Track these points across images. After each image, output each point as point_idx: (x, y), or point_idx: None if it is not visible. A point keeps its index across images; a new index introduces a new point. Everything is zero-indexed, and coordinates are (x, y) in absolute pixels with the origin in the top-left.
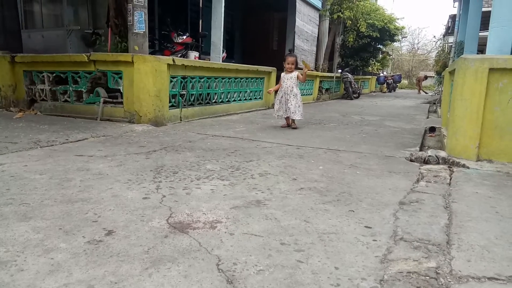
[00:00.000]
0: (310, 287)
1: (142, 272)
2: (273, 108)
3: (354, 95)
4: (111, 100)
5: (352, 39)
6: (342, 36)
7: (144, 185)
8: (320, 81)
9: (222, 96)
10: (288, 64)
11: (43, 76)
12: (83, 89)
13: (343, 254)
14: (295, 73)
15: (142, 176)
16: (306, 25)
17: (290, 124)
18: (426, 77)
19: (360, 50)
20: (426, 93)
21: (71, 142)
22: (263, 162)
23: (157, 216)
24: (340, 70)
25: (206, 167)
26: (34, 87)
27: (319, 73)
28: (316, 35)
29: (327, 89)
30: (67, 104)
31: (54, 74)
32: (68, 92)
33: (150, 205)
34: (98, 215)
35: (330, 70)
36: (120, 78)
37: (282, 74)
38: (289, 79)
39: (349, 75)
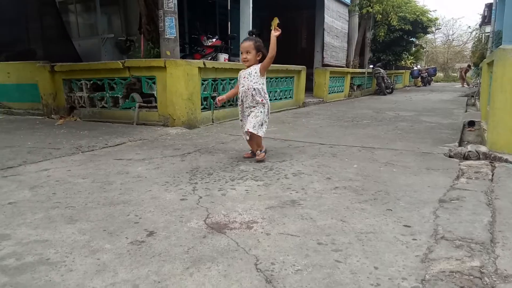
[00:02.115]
0: (349, 287)
1: (184, 271)
2: (304, 107)
3: (387, 91)
4: (145, 104)
5: (383, 33)
6: (372, 30)
7: (181, 186)
8: (351, 78)
9: None
10: (242, 53)
11: (81, 84)
12: (119, 95)
13: (382, 253)
14: (256, 67)
15: (179, 178)
16: (335, 21)
17: (254, 151)
18: (469, 66)
19: (392, 44)
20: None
21: (110, 146)
22: (296, 162)
23: (195, 217)
24: (371, 66)
25: (239, 168)
26: (73, 94)
27: (350, 69)
28: (346, 31)
29: (358, 86)
30: (105, 110)
31: (91, 82)
32: (105, 99)
33: (187, 206)
34: (139, 216)
35: (361, 66)
36: (154, 83)
37: (240, 72)
38: (247, 76)
39: (381, 70)
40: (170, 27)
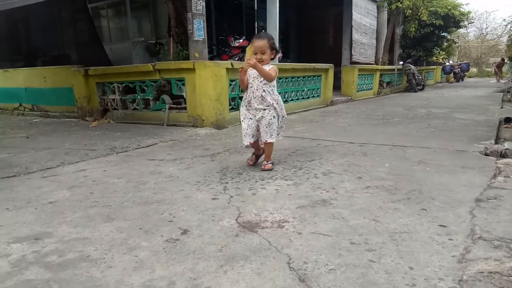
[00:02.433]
0: (384, 287)
1: (218, 269)
2: (331, 105)
3: (418, 87)
4: (175, 106)
5: (413, 28)
6: (402, 26)
7: (212, 186)
8: (380, 75)
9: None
10: (256, 53)
11: (113, 87)
12: (150, 97)
13: (417, 254)
14: (268, 67)
15: (209, 178)
16: (364, 18)
17: (259, 155)
18: (503, 60)
19: (422, 39)
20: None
21: (143, 147)
22: (326, 161)
23: (227, 216)
24: (401, 62)
25: None
26: (106, 97)
27: (379, 66)
28: (375, 28)
29: (388, 83)
30: (136, 112)
31: (123, 84)
32: (136, 101)
33: (219, 205)
34: (173, 215)
35: (390, 62)
36: (183, 84)
37: (249, 71)
38: (257, 77)
39: (412, 67)
40: (198, 29)
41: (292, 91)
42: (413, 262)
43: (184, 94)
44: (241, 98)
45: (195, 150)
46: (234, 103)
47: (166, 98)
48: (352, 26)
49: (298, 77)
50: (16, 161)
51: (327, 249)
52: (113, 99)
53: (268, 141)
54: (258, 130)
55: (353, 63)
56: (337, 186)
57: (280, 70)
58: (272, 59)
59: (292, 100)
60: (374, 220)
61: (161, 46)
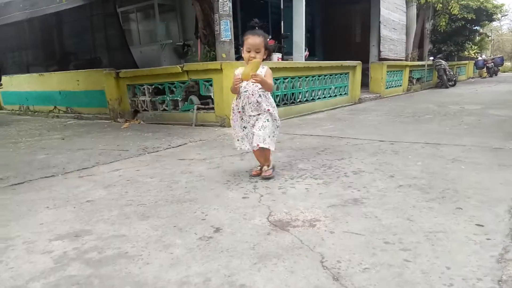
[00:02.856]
0: (420, 286)
1: (251, 266)
2: (359, 103)
3: (450, 83)
4: (203, 106)
5: (443, 23)
6: (432, 21)
7: (241, 185)
8: (410, 71)
9: (307, 95)
10: (250, 51)
11: (143, 89)
12: (178, 98)
13: (454, 253)
14: (262, 71)
15: (239, 177)
16: (392, 13)
17: (262, 165)
18: None
19: (453, 34)
20: None
21: (173, 147)
22: (356, 160)
23: (258, 214)
24: (432, 58)
25: (298, 167)
26: (137, 99)
27: (409, 63)
28: (404, 23)
29: (418, 79)
30: (166, 113)
31: (153, 86)
32: (165, 102)
33: (249, 204)
34: (205, 213)
35: (420, 58)
36: (211, 85)
37: (238, 71)
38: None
39: (443, 62)
40: (225, 30)
41: (319, 90)
42: (450, 262)
43: (211, 94)
44: None
45: (224, 149)
46: None
47: (194, 98)
48: (380, 22)
49: (325, 75)
50: (53, 161)
51: (361, 248)
52: (143, 101)
53: (260, 145)
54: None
55: (381, 59)
56: (368, 185)
57: (307, 68)
58: (264, 59)
59: (319, 98)
60: (408, 219)
61: (189, 48)
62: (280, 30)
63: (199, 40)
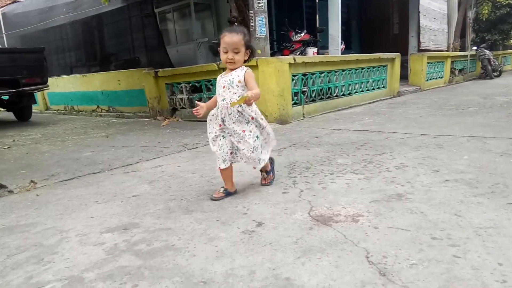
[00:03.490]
0: (471, 282)
1: (295, 260)
2: (399, 96)
3: (494, 74)
4: None
5: (486, 11)
6: (474, 9)
7: (281, 180)
8: (452, 62)
9: (343, 89)
10: (227, 51)
11: (181, 87)
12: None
13: (506, 249)
14: (240, 74)
15: (278, 173)
16: (433, 2)
17: (229, 188)
18: None
19: (498, 22)
20: None
21: None
22: (398, 154)
23: (299, 209)
24: (475, 48)
25: (337, 162)
26: (175, 97)
27: (450, 53)
28: (445, 12)
29: (460, 70)
30: None
31: (190, 84)
32: (202, 99)
33: (290, 199)
34: (246, 208)
35: (462, 48)
36: None
37: (218, 78)
38: (228, 86)
39: (487, 52)
40: (260, 26)
41: (356, 83)
42: (502, 258)
43: None
44: (304, 92)
45: None
46: (297, 98)
47: None
48: (419, 11)
49: (362, 68)
50: (99, 158)
51: (407, 243)
52: (181, 99)
53: (255, 168)
54: (231, 153)
55: (421, 50)
56: (412, 180)
57: (343, 62)
58: (245, 61)
59: (356, 92)
60: (456, 214)
61: None
62: (314, 24)
63: None
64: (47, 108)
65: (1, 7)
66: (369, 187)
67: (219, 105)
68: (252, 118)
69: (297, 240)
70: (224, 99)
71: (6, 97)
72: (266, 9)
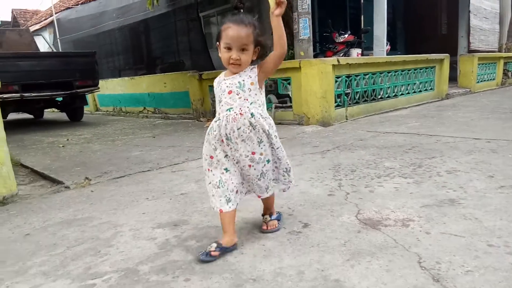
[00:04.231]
0: None
1: (344, 263)
2: (447, 99)
3: None
4: (281, 105)
5: None
6: None
7: (326, 182)
8: (505, 63)
9: (388, 91)
10: (231, 48)
11: None
12: None
13: None
14: (251, 73)
15: (322, 175)
16: (484, 1)
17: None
18: None
19: None
20: None
21: None
22: (449, 159)
23: (346, 212)
24: None
25: (384, 165)
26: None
27: (503, 54)
28: (497, 11)
29: None
30: None
31: None
32: None
33: (336, 201)
34: (291, 209)
35: None
36: (289, 83)
37: (217, 80)
38: (237, 90)
39: None
40: (304, 28)
41: (402, 85)
42: None
43: (289, 93)
44: (347, 94)
45: (304, 147)
46: (340, 100)
47: (272, 97)
48: (470, 11)
49: (408, 70)
50: (148, 157)
51: (461, 250)
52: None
53: (262, 197)
54: (237, 191)
55: (471, 51)
56: (465, 185)
57: (389, 63)
58: (253, 61)
59: (402, 94)
60: None
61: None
62: (359, 25)
63: None
64: (97, 109)
65: (56, 13)
66: (419, 191)
67: (221, 117)
68: (268, 130)
69: (345, 242)
70: (232, 108)
71: (60, 99)
72: (310, 11)
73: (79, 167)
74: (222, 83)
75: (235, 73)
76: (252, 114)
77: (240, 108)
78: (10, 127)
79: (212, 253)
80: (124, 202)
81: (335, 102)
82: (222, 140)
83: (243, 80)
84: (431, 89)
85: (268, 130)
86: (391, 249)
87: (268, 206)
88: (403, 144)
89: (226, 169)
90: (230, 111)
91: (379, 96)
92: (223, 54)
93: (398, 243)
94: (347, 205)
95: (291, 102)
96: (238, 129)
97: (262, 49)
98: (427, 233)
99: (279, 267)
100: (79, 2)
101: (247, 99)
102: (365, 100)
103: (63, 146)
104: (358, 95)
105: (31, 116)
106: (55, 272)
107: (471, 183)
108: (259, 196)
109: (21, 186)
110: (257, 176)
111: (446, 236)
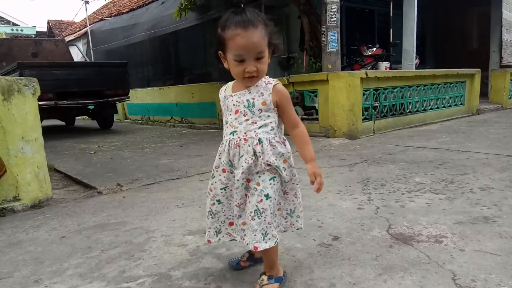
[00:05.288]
0: None
1: (376, 277)
2: (478, 114)
3: None
4: (307, 117)
5: None
6: None
7: (355, 196)
8: None
9: (417, 105)
10: (242, 59)
11: None
12: None
13: None
14: (264, 91)
15: (351, 188)
16: None
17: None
18: None
19: None
20: None
21: None
22: (481, 175)
23: (376, 226)
24: None
25: (414, 180)
26: None
27: None
28: None
29: None
30: None
31: None
32: None
33: (366, 215)
34: (321, 221)
35: None
36: (316, 96)
37: (222, 94)
38: (245, 110)
39: None
40: (332, 41)
41: (431, 99)
42: None
43: (316, 105)
44: (375, 108)
45: (331, 160)
46: (367, 113)
47: (299, 109)
48: (502, 25)
49: (438, 84)
50: (176, 166)
51: (497, 268)
52: None
53: (260, 248)
54: (232, 223)
55: (502, 66)
56: (499, 202)
57: (418, 77)
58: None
59: (431, 109)
60: None
61: (294, 60)
62: (387, 38)
63: (304, 52)
64: (126, 118)
65: (90, 25)
66: (451, 208)
67: (224, 141)
68: (285, 160)
69: (377, 257)
70: (235, 131)
71: (92, 107)
72: (338, 24)
73: (111, 173)
74: (229, 100)
75: (248, 87)
76: (259, 140)
77: (245, 133)
78: (43, 133)
79: (242, 263)
80: (155, 209)
81: (363, 115)
82: (224, 170)
83: (253, 98)
84: (461, 104)
85: (275, 163)
86: (425, 265)
87: (268, 263)
88: (433, 159)
89: (218, 201)
90: (233, 135)
91: (408, 110)
92: (233, 68)
93: (432, 259)
94: (377, 219)
95: (317, 114)
96: (240, 155)
97: (275, 48)
98: (461, 250)
99: (310, 279)
100: (112, 14)
101: (255, 122)
102: (393, 114)
103: (94, 152)
104: (386, 109)
105: (63, 123)
106: (91, 274)
107: (506, 201)
108: (255, 248)
109: (56, 190)
110: (251, 214)
111: (481, 254)
